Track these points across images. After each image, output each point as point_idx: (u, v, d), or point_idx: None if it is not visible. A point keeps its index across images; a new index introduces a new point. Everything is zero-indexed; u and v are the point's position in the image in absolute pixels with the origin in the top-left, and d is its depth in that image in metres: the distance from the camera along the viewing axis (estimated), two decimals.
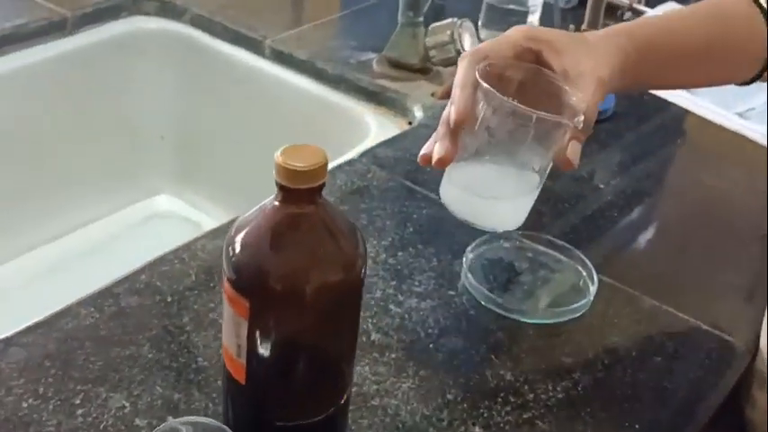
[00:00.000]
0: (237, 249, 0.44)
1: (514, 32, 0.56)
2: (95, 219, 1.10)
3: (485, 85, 0.52)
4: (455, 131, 0.53)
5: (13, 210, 1.01)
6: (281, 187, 0.43)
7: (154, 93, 1.09)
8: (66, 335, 0.58)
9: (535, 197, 0.55)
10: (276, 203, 0.44)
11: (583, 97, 0.53)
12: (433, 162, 0.54)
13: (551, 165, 0.55)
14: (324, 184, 0.44)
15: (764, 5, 0.60)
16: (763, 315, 0.64)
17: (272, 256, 0.44)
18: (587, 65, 0.54)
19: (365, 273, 0.47)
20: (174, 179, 1.15)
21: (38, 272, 1.04)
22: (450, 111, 0.53)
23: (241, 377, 0.47)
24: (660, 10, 1.08)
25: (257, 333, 0.45)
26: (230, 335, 0.46)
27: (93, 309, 0.60)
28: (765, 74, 0.62)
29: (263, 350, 0.45)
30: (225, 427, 0.46)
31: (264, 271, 0.44)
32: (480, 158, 0.54)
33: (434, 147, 0.54)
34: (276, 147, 1.08)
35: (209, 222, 1.12)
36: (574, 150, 0.53)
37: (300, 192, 0.43)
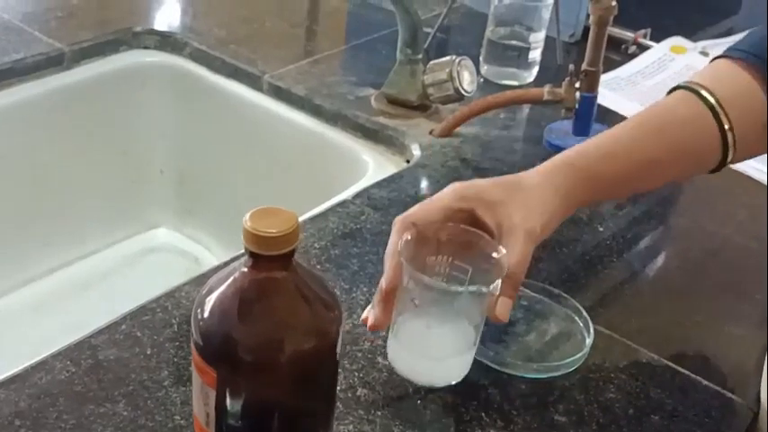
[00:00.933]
0: (206, 315, 0.43)
1: (447, 193, 0.58)
2: (94, 252, 1.09)
3: (401, 259, 0.54)
4: (387, 299, 0.55)
5: (11, 243, 1.00)
6: (251, 254, 0.42)
7: (153, 126, 1.08)
8: (40, 390, 0.56)
9: (474, 352, 0.58)
10: (245, 269, 0.42)
11: (510, 254, 0.55)
12: (368, 328, 0.57)
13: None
14: (295, 249, 0.42)
15: (708, 98, 0.59)
16: (763, 371, 0.62)
17: (240, 325, 0.42)
18: (518, 217, 0.56)
19: (340, 335, 0.45)
20: (173, 213, 1.14)
21: (35, 304, 1.03)
22: (381, 280, 0.56)
23: None
24: (665, 45, 1.06)
25: (226, 403, 0.43)
26: (199, 403, 0.44)
27: (69, 362, 0.58)
28: (729, 160, 0.61)
29: (233, 420, 0.44)
30: None
31: (233, 340, 0.42)
32: (420, 314, 0.56)
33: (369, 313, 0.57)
34: (274, 182, 1.07)
35: (208, 256, 1.11)
36: (503, 307, 0.55)
37: (271, 258, 0.42)
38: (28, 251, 1.03)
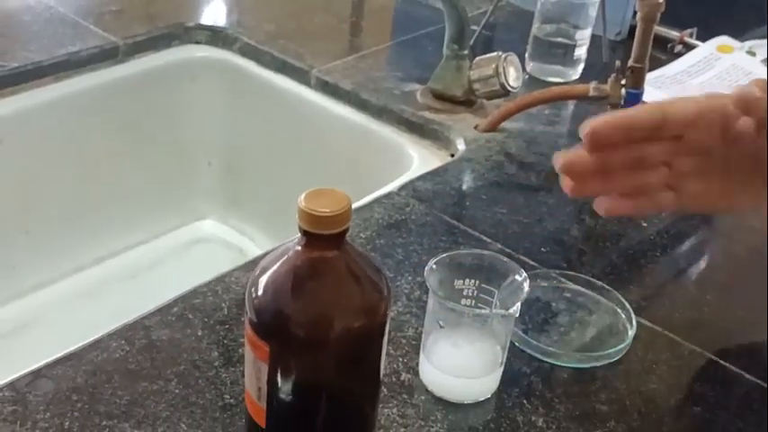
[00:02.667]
0: (260, 292, 0.44)
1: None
2: (141, 242, 1.12)
3: (428, 284, 0.56)
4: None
5: (60, 233, 1.03)
6: (305, 232, 0.43)
7: (202, 119, 1.11)
8: (96, 367, 0.58)
9: (500, 372, 0.59)
10: (299, 248, 0.44)
11: None
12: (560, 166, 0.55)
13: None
14: (347, 229, 0.44)
15: None
16: None
17: (293, 302, 0.44)
18: None
19: (389, 317, 0.46)
20: (220, 204, 1.16)
21: (83, 293, 1.06)
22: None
23: (261, 421, 0.47)
24: (712, 44, 1.06)
25: (278, 377, 0.45)
26: (251, 378, 0.46)
27: (123, 341, 0.61)
28: None
29: (284, 395, 0.45)
30: None
31: (286, 316, 0.44)
32: (447, 335, 0.58)
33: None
34: (320, 175, 1.09)
35: (253, 248, 1.14)
36: None
37: (324, 237, 0.43)
38: (78, 240, 1.06)
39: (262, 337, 0.44)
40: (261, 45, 1.06)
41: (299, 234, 0.44)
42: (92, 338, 0.60)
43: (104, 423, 0.54)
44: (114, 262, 1.09)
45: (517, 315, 0.56)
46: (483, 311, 0.57)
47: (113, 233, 1.09)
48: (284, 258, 0.44)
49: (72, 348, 0.60)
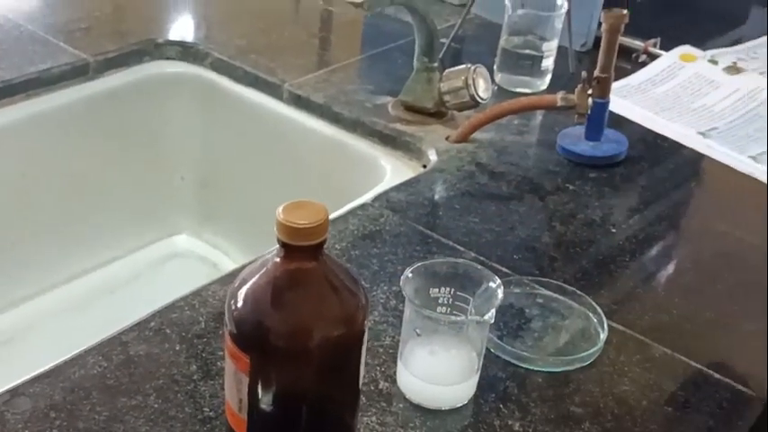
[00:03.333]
0: (239, 304, 0.45)
1: None
2: (116, 258, 1.12)
3: (405, 291, 0.57)
4: None
5: (36, 249, 1.03)
6: (283, 244, 0.44)
7: (175, 135, 1.11)
8: (74, 384, 0.58)
9: (477, 378, 0.60)
10: (277, 260, 0.44)
11: None
12: None
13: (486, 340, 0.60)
14: (325, 241, 0.44)
15: None
16: None
17: (273, 313, 0.44)
18: None
19: (367, 326, 0.47)
20: (194, 219, 1.16)
21: (59, 310, 1.05)
22: None
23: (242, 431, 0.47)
24: (675, 53, 1.08)
25: (259, 388, 0.45)
26: (231, 390, 0.46)
27: (101, 357, 0.61)
28: None
29: (265, 405, 0.46)
30: None
31: (265, 327, 0.44)
32: (424, 343, 0.59)
33: None
34: (294, 188, 1.09)
35: (227, 262, 1.14)
36: None
37: (302, 248, 0.44)
38: (54, 257, 1.06)
39: (242, 348, 0.44)
40: (232, 60, 1.06)
41: (278, 246, 0.44)
42: (69, 355, 0.60)
43: None
44: (91, 278, 1.09)
45: (492, 321, 0.57)
46: (458, 318, 0.58)
47: (89, 250, 1.08)
48: (263, 270, 0.45)
49: (49, 366, 0.59)
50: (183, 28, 1.15)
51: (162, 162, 1.12)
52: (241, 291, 0.45)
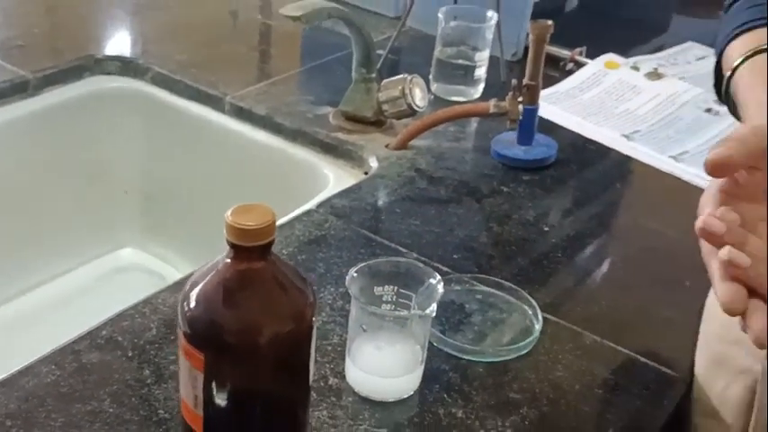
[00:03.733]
0: (192, 305, 0.47)
1: None
2: (61, 274, 1.12)
3: (351, 292, 0.60)
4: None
5: None
6: (232, 245, 0.46)
7: (117, 149, 1.12)
8: (28, 393, 0.60)
9: (421, 370, 0.63)
10: (228, 260, 0.47)
11: None
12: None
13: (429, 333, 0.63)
14: (273, 241, 0.47)
15: None
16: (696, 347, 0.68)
17: (225, 311, 0.47)
18: None
19: (315, 322, 0.50)
20: (139, 233, 1.17)
21: (3, 327, 1.05)
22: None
23: (199, 428, 0.49)
24: (600, 61, 1.14)
25: (213, 384, 0.47)
26: (187, 387, 0.48)
27: (54, 366, 0.62)
28: None
29: (220, 400, 0.48)
30: None
31: (218, 325, 0.47)
32: (370, 338, 0.62)
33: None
34: (238, 199, 1.11)
35: (175, 274, 1.15)
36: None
37: (251, 249, 0.46)
38: None
39: (196, 346, 0.47)
40: (173, 74, 1.08)
41: (228, 247, 0.47)
42: (21, 366, 0.61)
43: None
44: (36, 294, 1.08)
45: (434, 315, 0.60)
46: (402, 313, 0.62)
47: (33, 267, 1.08)
48: (214, 271, 0.47)
49: (2, 376, 0.60)
50: (121, 44, 1.16)
51: (105, 177, 1.13)
52: (193, 291, 0.48)
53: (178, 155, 1.10)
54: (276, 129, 1.01)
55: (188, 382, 0.48)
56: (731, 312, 0.45)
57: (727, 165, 0.47)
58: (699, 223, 0.47)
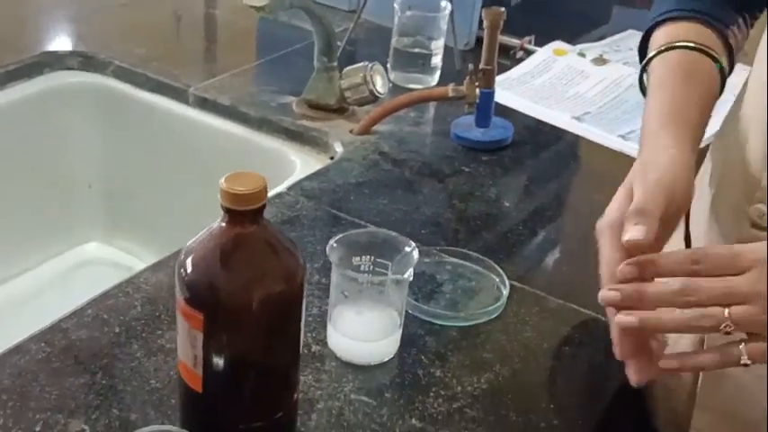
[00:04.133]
0: (189, 269, 0.50)
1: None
2: (26, 270, 1.12)
3: (331, 260, 0.63)
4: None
5: None
6: (227, 210, 0.49)
7: (80, 143, 1.13)
8: (20, 369, 0.61)
9: (399, 334, 0.66)
10: (223, 225, 0.50)
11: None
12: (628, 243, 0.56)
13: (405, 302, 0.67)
14: (264, 206, 0.50)
15: (690, 45, 0.65)
16: None
17: (221, 272, 0.49)
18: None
19: (305, 283, 0.53)
20: (103, 227, 1.18)
21: None
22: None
23: (198, 387, 0.52)
24: (548, 49, 1.19)
25: (212, 343, 0.50)
26: (186, 348, 0.51)
27: (44, 344, 0.64)
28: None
29: (218, 358, 0.51)
30: (184, 431, 0.51)
31: (216, 286, 0.49)
32: (351, 304, 0.65)
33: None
34: (205, 189, 1.12)
35: (141, 265, 1.15)
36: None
37: (244, 213, 0.49)
38: None
39: (195, 307, 0.49)
40: (135, 68, 1.09)
41: (222, 212, 0.49)
42: (11, 344, 0.63)
43: (38, 416, 0.57)
44: (1, 290, 1.08)
45: (411, 279, 0.64)
46: (381, 278, 0.65)
47: None
48: (209, 236, 0.50)
49: None
50: (80, 40, 1.17)
51: (68, 171, 1.13)
52: (190, 257, 0.50)
53: (142, 148, 1.12)
54: (241, 118, 1.03)
55: (187, 343, 0.50)
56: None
57: (644, 246, 0.54)
58: (600, 297, 0.56)
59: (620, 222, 0.58)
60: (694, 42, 0.66)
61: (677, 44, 0.66)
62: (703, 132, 0.65)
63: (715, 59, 0.65)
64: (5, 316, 1.06)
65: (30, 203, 1.11)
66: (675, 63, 0.66)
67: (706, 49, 0.65)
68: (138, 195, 1.15)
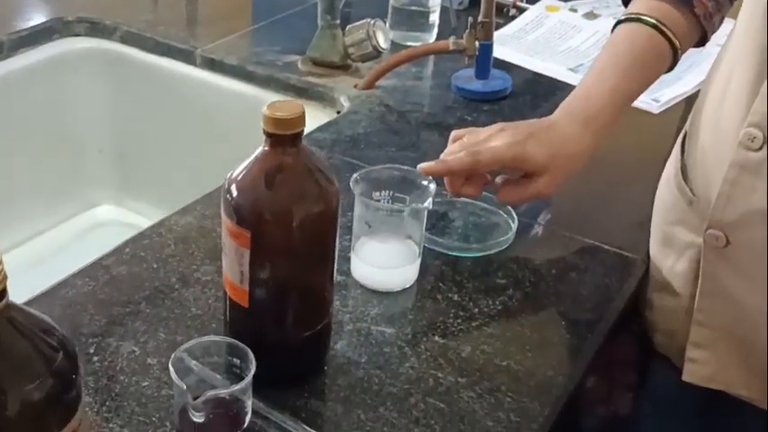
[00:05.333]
0: (235, 193, 0.54)
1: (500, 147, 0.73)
2: (40, 232, 1.15)
3: (355, 192, 0.69)
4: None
5: None
6: (269, 135, 0.53)
7: (90, 108, 1.16)
8: (69, 301, 0.65)
9: (419, 262, 0.71)
10: (266, 149, 0.54)
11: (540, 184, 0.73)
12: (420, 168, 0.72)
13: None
14: (303, 131, 0.54)
15: (649, 20, 0.75)
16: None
17: (267, 193, 0.54)
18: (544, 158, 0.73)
19: (340, 205, 0.57)
20: (115, 189, 1.21)
21: None
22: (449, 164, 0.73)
23: (245, 302, 0.56)
24: (540, 5, 1.24)
25: (257, 259, 0.54)
26: (233, 266, 0.55)
27: (87, 278, 0.68)
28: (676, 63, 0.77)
29: (263, 274, 0.55)
30: (234, 340, 0.55)
31: (262, 205, 0.54)
32: (373, 234, 0.70)
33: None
34: (215, 147, 1.17)
35: None
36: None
37: (285, 137, 0.53)
38: None
39: (243, 226, 0.53)
40: (142, 32, 1.12)
41: (264, 138, 0.54)
42: (58, 279, 0.67)
43: (91, 341, 0.61)
44: (17, 252, 1.11)
45: (430, 208, 0.68)
46: (402, 206, 0.69)
47: (11, 226, 1.11)
48: (253, 160, 0.54)
49: (41, 290, 0.66)
50: (86, 7, 1.19)
51: (78, 136, 1.17)
52: (234, 182, 0.54)
53: (151, 110, 1.15)
54: (248, 77, 1.07)
55: (234, 262, 0.55)
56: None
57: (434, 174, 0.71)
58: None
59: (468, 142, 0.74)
60: (656, 20, 0.75)
61: (642, 17, 0.75)
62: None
63: (669, 39, 0.75)
64: (20, 277, 1.08)
65: (42, 168, 1.14)
66: (629, 40, 0.76)
67: (663, 29, 0.75)
68: (149, 157, 1.18)
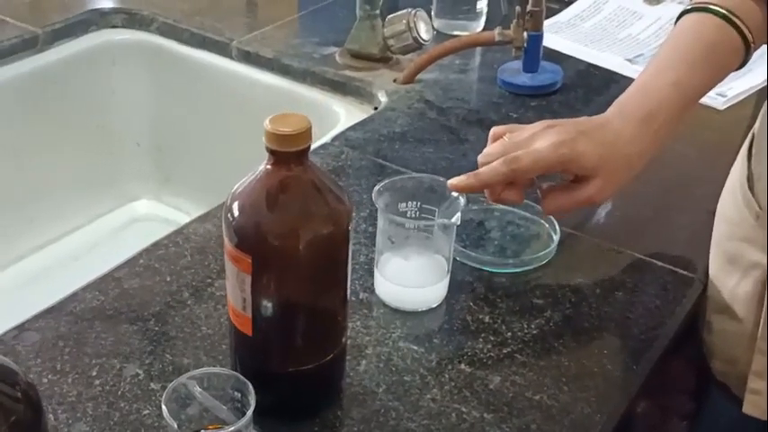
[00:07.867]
0: (236, 212, 0.50)
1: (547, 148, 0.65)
2: (79, 227, 1.14)
3: (378, 205, 0.63)
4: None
5: None
6: (272, 152, 0.48)
7: (127, 101, 1.13)
8: (76, 317, 0.62)
9: (447, 280, 0.65)
10: (268, 167, 0.49)
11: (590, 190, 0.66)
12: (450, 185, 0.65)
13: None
14: (309, 147, 0.49)
15: (719, 10, 0.66)
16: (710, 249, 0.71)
17: (268, 214, 0.49)
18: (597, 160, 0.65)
19: (352, 225, 0.52)
20: (153, 183, 1.19)
21: (25, 280, 1.07)
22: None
23: (248, 330, 0.52)
24: None
25: (260, 285, 0.50)
26: (235, 291, 0.51)
27: (97, 292, 0.65)
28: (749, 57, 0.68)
29: (266, 301, 0.50)
30: (234, 372, 0.51)
31: (263, 228, 0.49)
32: (398, 250, 0.64)
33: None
34: (250, 143, 1.13)
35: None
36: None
37: (289, 154, 0.48)
38: (14, 230, 1.07)
39: (243, 250, 0.49)
40: (178, 23, 1.09)
41: (267, 154, 0.49)
42: (66, 294, 0.64)
43: (94, 362, 0.58)
44: (54, 248, 1.11)
45: (458, 224, 0.63)
46: (428, 222, 0.64)
47: (50, 220, 1.10)
48: (255, 179, 0.49)
49: (49, 304, 0.63)
50: None
51: (116, 129, 1.15)
52: (236, 202, 0.50)
53: (187, 103, 1.12)
54: (284, 70, 1.02)
55: (236, 287, 0.51)
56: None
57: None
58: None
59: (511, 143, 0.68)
60: (727, 10, 0.66)
61: (711, 6, 0.66)
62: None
63: (741, 31, 0.66)
64: (59, 272, 1.09)
65: (80, 163, 1.12)
66: (695, 31, 0.68)
67: (734, 20, 0.66)
68: (186, 151, 1.15)
